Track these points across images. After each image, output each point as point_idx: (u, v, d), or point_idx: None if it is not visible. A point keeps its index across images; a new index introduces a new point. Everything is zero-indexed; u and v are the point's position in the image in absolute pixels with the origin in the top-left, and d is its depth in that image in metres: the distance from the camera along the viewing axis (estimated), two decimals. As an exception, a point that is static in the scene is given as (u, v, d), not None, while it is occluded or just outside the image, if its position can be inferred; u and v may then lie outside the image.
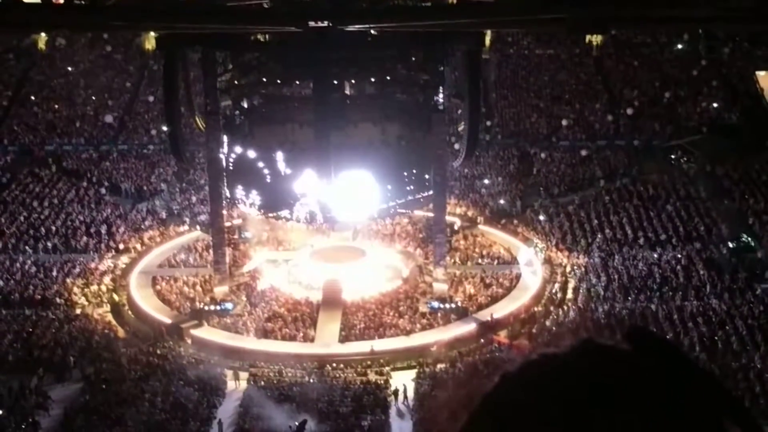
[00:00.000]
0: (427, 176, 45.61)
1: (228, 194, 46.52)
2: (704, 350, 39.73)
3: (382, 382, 39.91)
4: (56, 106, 71.46)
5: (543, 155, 65.53)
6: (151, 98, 70.47)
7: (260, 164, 42.76)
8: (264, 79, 44.44)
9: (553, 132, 68.03)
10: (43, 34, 72.49)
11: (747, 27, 56.94)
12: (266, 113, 43.98)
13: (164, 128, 57.76)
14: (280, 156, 42.08)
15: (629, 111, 67.47)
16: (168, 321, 44.95)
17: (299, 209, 44.47)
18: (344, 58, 39.76)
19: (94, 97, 72.40)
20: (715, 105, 67.86)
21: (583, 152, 64.49)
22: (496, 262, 51.22)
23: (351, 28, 30.45)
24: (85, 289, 48.62)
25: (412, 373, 40.48)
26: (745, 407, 1.56)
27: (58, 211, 57.59)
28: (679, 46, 74.25)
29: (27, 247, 53.26)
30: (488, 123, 66.52)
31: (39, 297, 47.57)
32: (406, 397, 38.83)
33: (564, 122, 68.05)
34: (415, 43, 42.48)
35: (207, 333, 44.13)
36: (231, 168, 44.87)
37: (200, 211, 56.91)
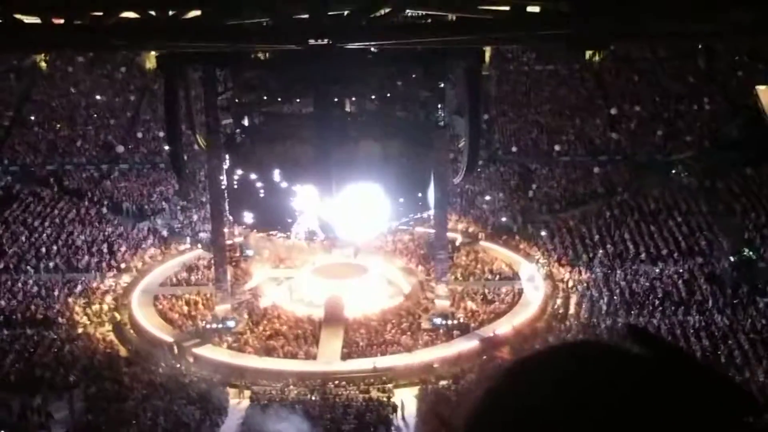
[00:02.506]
0: (428, 194, 45.55)
1: (229, 212, 46.53)
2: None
3: (385, 399, 39.89)
4: (57, 126, 71.59)
5: (544, 171, 65.67)
6: (147, 117, 70.71)
7: (261, 182, 42.79)
8: (265, 97, 44.51)
9: (554, 148, 68.16)
10: (43, 54, 72.69)
11: (747, 41, 57.05)
12: (267, 131, 44.01)
13: (165, 147, 57.81)
14: (281, 173, 42.10)
15: (630, 125, 67.65)
16: (170, 339, 44.98)
17: (300, 227, 44.54)
18: (344, 75, 39.80)
19: (95, 116, 72.66)
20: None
21: (596, 170, 64.59)
22: (497, 277, 51.23)
23: (351, 45, 30.48)
24: (87, 309, 48.59)
25: (415, 390, 40.49)
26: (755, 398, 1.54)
27: (60, 231, 57.63)
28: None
29: (29, 267, 53.25)
30: (488, 139, 66.64)
31: (41, 317, 47.50)
32: (404, 412, 38.83)
33: (557, 147, 68.09)
34: (414, 60, 42.51)
35: (209, 351, 44.11)
36: (233, 186, 44.90)
37: (201, 229, 56.93)
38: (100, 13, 23.62)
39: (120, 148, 68.39)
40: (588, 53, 72.60)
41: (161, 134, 63.74)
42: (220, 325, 45.45)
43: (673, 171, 62.97)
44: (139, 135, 70.58)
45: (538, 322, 46.23)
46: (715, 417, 1.45)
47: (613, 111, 70.68)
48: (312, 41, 25.65)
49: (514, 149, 68.65)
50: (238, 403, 40.42)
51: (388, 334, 44.55)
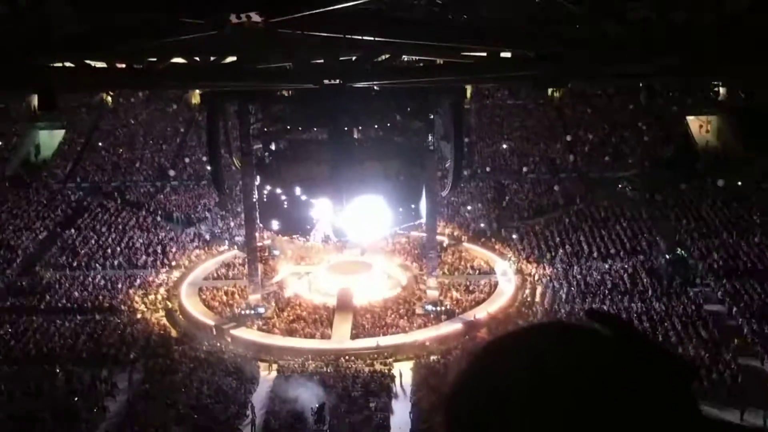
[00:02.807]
0: (420, 206, 45.41)
1: (259, 220, 46.50)
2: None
3: (386, 371, 39.84)
4: (120, 150, 71.71)
5: (514, 186, 65.65)
6: (193, 143, 70.68)
7: (285, 195, 42.73)
8: (288, 127, 44.46)
9: (523, 167, 68.19)
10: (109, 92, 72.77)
11: (679, 80, 57.03)
12: (290, 154, 43.97)
13: (207, 167, 57.79)
14: (301, 189, 42.03)
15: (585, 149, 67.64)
16: (212, 323, 44.97)
17: (317, 232, 44.49)
18: (353, 109, 39.73)
19: (151, 142, 72.76)
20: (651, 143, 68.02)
21: (556, 188, 64.49)
22: (477, 272, 51.18)
23: (358, 84, 30.49)
24: (144, 298, 48.65)
25: (410, 363, 40.47)
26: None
27: (122, 236, 57.71)
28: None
29: (97, 265, 53.39)
30: (469, 160, 66.59)
31: (107, 305, 47.62)
32: (401, 381, 38.83)
33: (524, 167, 68.13)
34: (410, 96, 42.41)
35: (243, 332, 44.12)
36: (262, 199, 44.87)
37: (237, 234, 56.93)
38: (155, 59, 23.69)
39: (171, 172, 68.42)
40: (549, 90, 72.55)
41: (204, 157, 63.76)
42: (252, 312, 45.48)
43: (620, 186, 62.99)
44: (186, 159, 70.66)
45: (510, 309, 46.16)
46: (665, 383, 1.46)
47: (569, 137, 70.69)
48: (326, 81, 25.68)
49: (489, 169, 68.61)
50: (267, 374, 40.40)
51: (389, 318, 44.52)
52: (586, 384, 1.42)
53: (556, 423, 1.40)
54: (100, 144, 72.82)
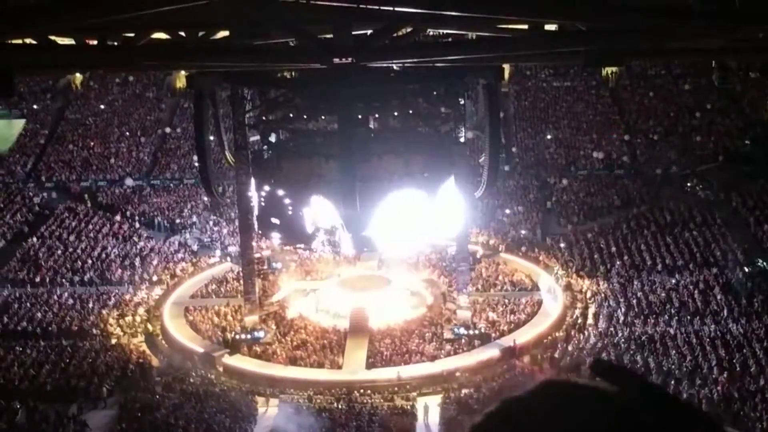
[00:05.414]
0: (449, 210, 45.36)
1: (257, 227, 46.59)
2: (723, 373, 39.49)
3: (409, 407, 39.82)
4: (91, 144, 71.97)
5: (563, 183, 65.57)
6: (178, 134, 70.88)
7: (288, 197, 42.77)
8: (290, 115, 44.55)
9: (572, 162, 68.13)
10: (78, 74, 72.98)
11: (759, 57, 56.79)
12: (293, 147, 44.05)
13: (195, 163, 57.97)
14: (306, 188, 42.06)
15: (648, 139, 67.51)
16: (200, 350, 45.06)
17: (325, 241, 44.52)
18: (368, 93, 39.77)
19: (127, 133, 73.00)
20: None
21: (613, 183, 64.36)
22: (517, 289, 51.14)
23: (374, 64, 30.41)
24: (120, 320, 48.76)
25: (438, 398, 40.46)
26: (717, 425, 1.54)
27: (94, 245, 57.90)
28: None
29: (64, 280, 53.56)
30: (508, 153, 66.62)
31: (76, 328, 47.68)
32: (427, 419, 38.81)
33: (574, 161, 68.10)
34: (435, 78, 42.49)
35: (238, 361, 44.19)
36: (260, 201, 44.95)
37: (230, 243, 57.08)
38: (132, 35, 23.74)
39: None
40: (603, 70, 72.51)
41: (191, 152, 63.95)
42: (249, 336, 45.54)
43: (689, 184, 62.83)
44: (170, 154, 70.88)
45: (557, 332, 46.04)
46: None
47: (627, 127, 70.58)
48: (336, 60, 25.67)
49: (531, 164, 68.61)
50: (266, 411, 40.45)
51: (412, 343, 44.51)
52: None
53: None
54: (67, 136, 73.09)
